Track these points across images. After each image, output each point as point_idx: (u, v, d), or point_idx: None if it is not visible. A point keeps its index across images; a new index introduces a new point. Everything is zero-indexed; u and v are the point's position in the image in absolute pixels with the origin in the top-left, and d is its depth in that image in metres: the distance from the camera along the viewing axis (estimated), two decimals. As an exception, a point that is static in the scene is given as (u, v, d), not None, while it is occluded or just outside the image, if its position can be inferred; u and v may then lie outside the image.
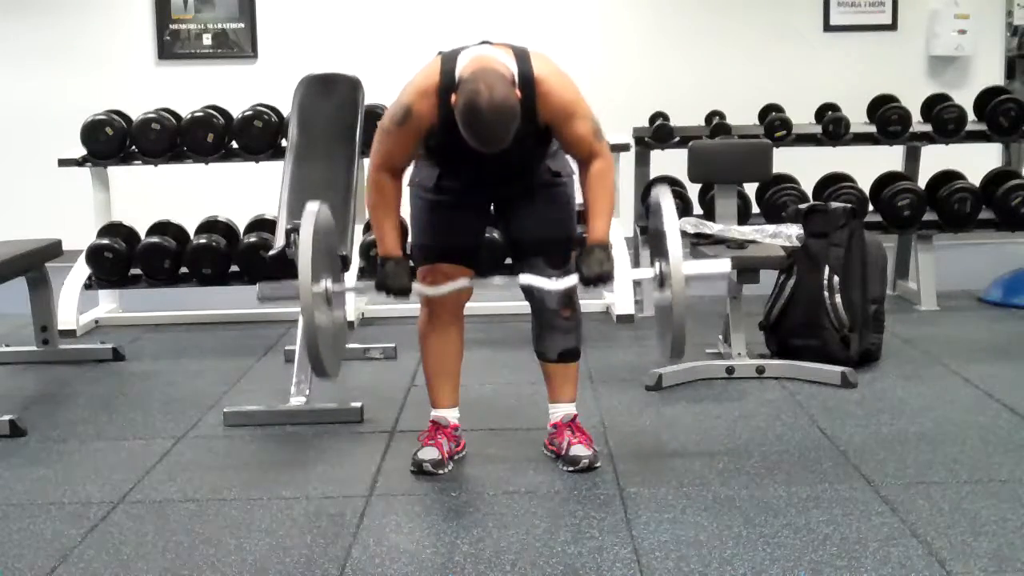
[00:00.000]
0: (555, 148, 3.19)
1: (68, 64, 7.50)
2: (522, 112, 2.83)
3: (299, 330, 3.83)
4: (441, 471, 3.17)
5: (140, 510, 2.99)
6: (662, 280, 3.03)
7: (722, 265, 3.20)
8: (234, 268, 5.19)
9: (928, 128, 5.59)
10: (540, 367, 3.32)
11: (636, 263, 5.55)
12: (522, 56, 2.96)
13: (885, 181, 5.55)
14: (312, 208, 3.00)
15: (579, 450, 3.18)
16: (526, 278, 3.08)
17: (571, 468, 3.17)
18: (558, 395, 3.30)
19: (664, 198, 3.01)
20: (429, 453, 3.20)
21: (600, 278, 3.02)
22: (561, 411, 3.29)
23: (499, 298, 5.55)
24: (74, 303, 5.22)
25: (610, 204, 3.08)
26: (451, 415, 3.31)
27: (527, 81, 2.92)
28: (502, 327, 5.23)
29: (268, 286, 3.27)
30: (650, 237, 3.21)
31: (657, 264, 3.07)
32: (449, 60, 2.95)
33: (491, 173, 3.09)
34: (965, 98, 5.76)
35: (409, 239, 3.41)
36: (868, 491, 2.97)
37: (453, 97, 2.83)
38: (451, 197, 3.14)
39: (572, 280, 3.06)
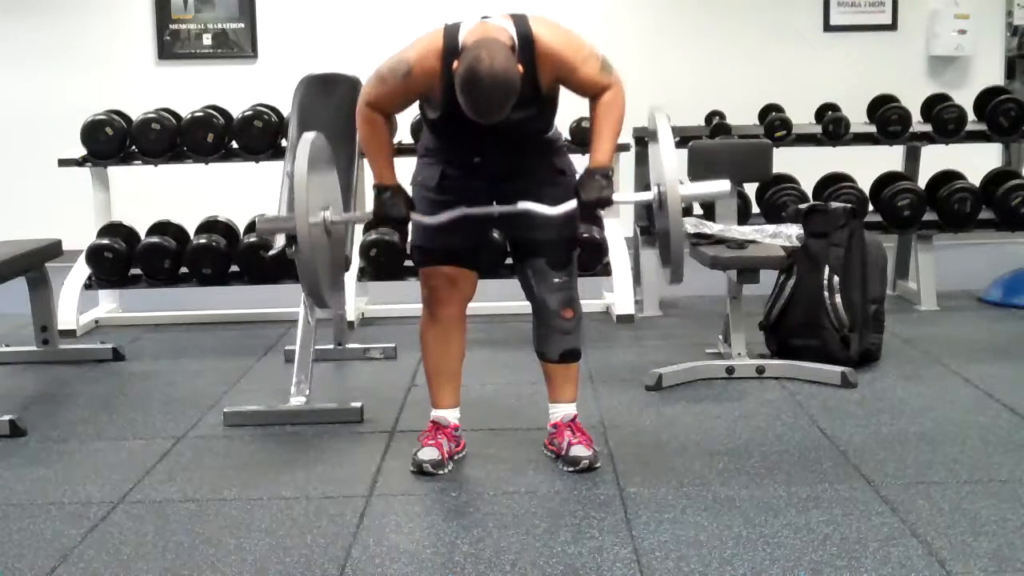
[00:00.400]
0: (560, 144, 3.20)
1: (68, 64, 7.50)
2: (524, 76, 2.85)
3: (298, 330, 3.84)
4: (441, 471, 3.17)
5: (140, 510, 2.99)
6: (660, 202, 3.03)
7: (720, 185, 3.16)
8: (234, 268, 5.19)
9: (928, 128, 5.59)
10: (541, 367, 3.32)
11: (636, 263, 5.55)
12: (520, 20, 2.98)
13: (885, 181, 5.55)
14: (308, 137, 3.01)
15: (579, 451, 3.18)
16: (524, 206, 3.06)
17: (571, 468, 3.16)
18: (558, 395, 3.30)
19: (660, 121, 3.02)
20: (429, 453, 3.19)
21: (599, 203, 3.02)
22: (561, 411, 3.29)
23: (499, 298, 5.56)
24: (74, 303, 5.22)
25: (614, 131, 3.06)
26: (451, 415, 3.31)
27: (526, 43, 2.93)
28: (502, 327, 5.23)
29: (266, 220, 3.27)
30: (649, 160, 3.20)
31: (656, 187, 3.06)
32: (452, 28, 2.99)
33: (492, 157, 3.09)
34: (965, 98, 5.76)
35: (410, 239, 3.41)
36: (868, 491, 2.97)
37: (455, 63, 2.85)
38: (454, 197, 3.13)
39: (571, 205, 3.05)
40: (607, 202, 3.03)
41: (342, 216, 3.17)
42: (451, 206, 3.12)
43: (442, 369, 3.30)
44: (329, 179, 3.21)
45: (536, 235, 3.15)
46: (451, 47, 2.92)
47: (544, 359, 3.29)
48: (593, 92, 3.06)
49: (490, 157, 3.09)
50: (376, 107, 3.06)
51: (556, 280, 3.18)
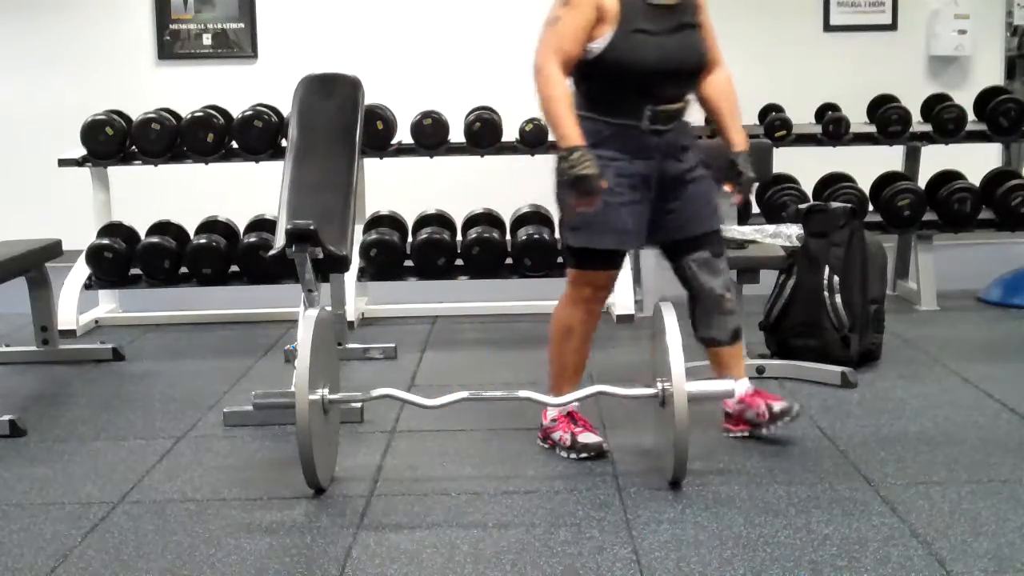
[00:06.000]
0: (699, 137, 3.46)
1: (68, 64, 7.49)
2: None
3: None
4: (607, 447, 3.30)
5: (140, 510, 2.99)
6: (663, 400, 3.04)
7: (725, 385, 3.18)
8: (234, 268, 5.20)
9: (928, 128, 5.59)
10: (707, 355, 3.42)
11: (636, 265, 5.55)
12: None
13: (885, 181, 5.55)
14: (312, 315, 3.03)
15: (781, 404, 3.33)
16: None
17: (786, 420, 3.32)
18: (733, 374, 3.36)
19: (668, 317, 3.03)
20: (591, 437, 3.29)
21: (752, 182, 3.33)
22: (740, 387, 3.37)
23: (499, 298, 5.56)
24: (74, 303, 5.22)
25: (738, 110, 3.37)
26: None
27: None
28: (502, 327, 5.23)
29: (263, 395, 3.29)
30: (654, 353, 3.25)
31: (660, 384, 3.07)
32: None
33: (662, 95, 3.13)
34: (965, 98, 5.76)
35: (559, 236, 3.38)
36: (868, 491, 2.97)
37: None
38: (626, 190, 3.15)
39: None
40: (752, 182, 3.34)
41: (340, 396, 3.18)
42: (614, 203, 3.15)
43: (579, 366, 3.39)
44: (331, 357, 3.22)
45: (699, 228, 3.29)
46: None
47: (715, 344, 3.38)
48: (713, 55, 3.29)
49: (660, 95, 3.14)
50: (556, 58, 3.07)
51: (720, 266, 3.32)
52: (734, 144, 3.35)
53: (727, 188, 3.39)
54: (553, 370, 3.40)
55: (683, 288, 3.38)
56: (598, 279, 3.30)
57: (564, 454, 3.29)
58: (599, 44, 3.09)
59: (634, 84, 3.12)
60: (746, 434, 3.39)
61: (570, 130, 3.05)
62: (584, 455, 3.25)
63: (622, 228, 3.18)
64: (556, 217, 3.43)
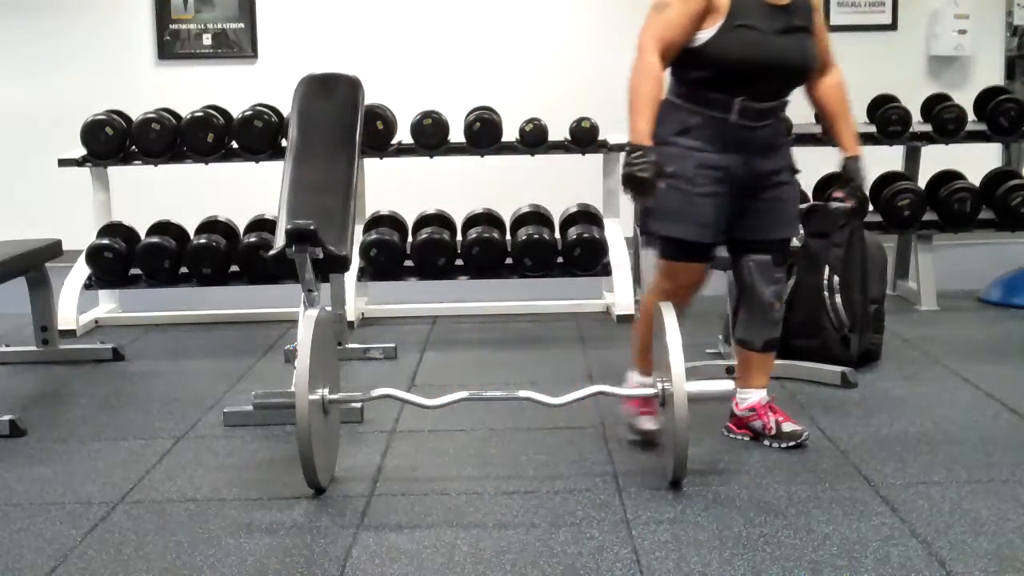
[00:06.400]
0: (790, 140, 3.35)
1: (68, 64, 7.49)
2: None
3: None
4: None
5: (140, 510, 2.99)
6: (664, 399, 3.05)
7: (725, 384, 3.18)
8: (234, 268, 5.20)
9: (928, 128, 5.59)
10: (737, 354, 3.43)
11: (636, 262, 5.55)
12: None
13: (885, 181, 5.55)
14: (312, 315, 3.03)
15: (791, 426, 3.32)
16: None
17: (791, 444, 3.30)
18: (754, 381, 3.38)
19: (668, 318, 3.02)
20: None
21: (861, 187, 3.33)
22: (756, 396, 3.36)
23: (499, 298, 5.56)
24: (74, 303, 5.22)
25: (851, 115, 3.35)
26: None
27: None
28: (502, 327, 5.23)
29: (264, 394, 3.28)
30: (654, 354, 3.24)
31: (660, 384, 3.07)
32: None
33: (759, 92, 3.09)
34: (965, 98, 5.76)
35: (648, 225, 3.29)
36: (868, 491, 2.97)
37: None
38: (708, 181, 3.11)
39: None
40: (863, 195, 3.32)
41: (340, 396, 3.18)
42: (703, 193, 3.13)
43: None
44: (331, 357, 3.22)
45: (771, 232, 3.26)
46: None
47: (748, 347, 3.37)
48: (825, 57, 3.27)
49: (755, 92, 3.08)
50: (658, 49, 3.02)
51: (777, 275, 3.30)
52: (845, 148, 3.32)
53: (836, 195, 3.38)
54: (636, 347, 3.42)
55: (735, 283, 3.40)
56: (681, 272, 3.24)
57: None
58: (704, 36, 3.04)
59: (729, 78, 3.07)
60: (747, 438, 3.39)
61: (641, 126, 2.99)
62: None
63: (702, 220, 3.13)
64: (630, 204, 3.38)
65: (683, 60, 3.09)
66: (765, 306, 3.29)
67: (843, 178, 3.36)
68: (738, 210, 3.19)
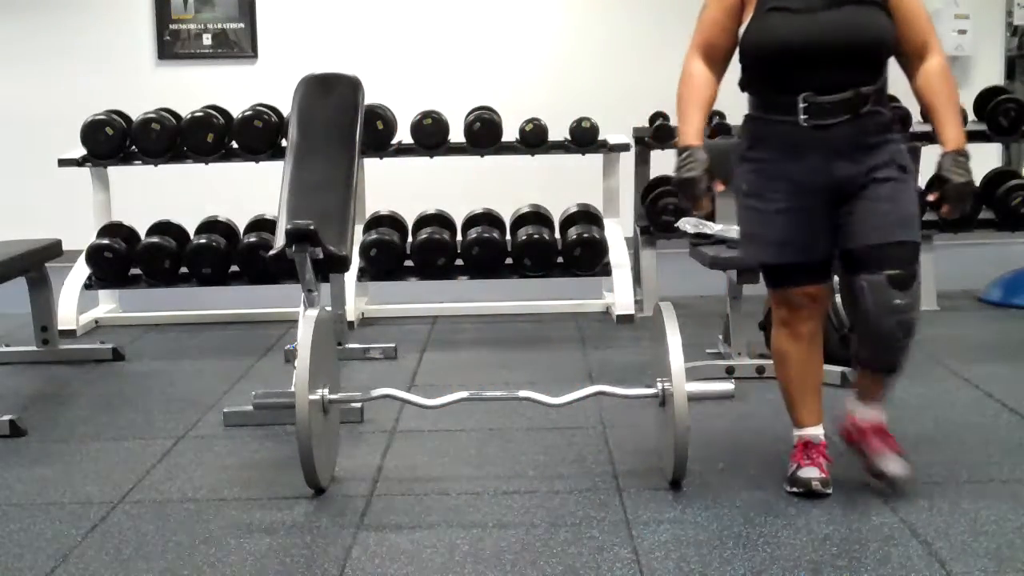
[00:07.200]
0: (898, 137, 2.95)
1: (68, 64, 7.49)
2: None
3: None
4: (828, 491, 2.91)
5: (140, 510, 2.99)
6: (663, 399, 3.03)
7: (724, 386, 3.14)
8: (234, 268, 5.20)
9: (928, 128, 5.56)
10: (853, 361, 3.13)
11: (636, 263, 5.55)
12: None
13: (885, 181, 5.53)
14: (312, 315, 3.03)
15: (899, 469, 2.94)
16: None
17: (884, 484, 2.94)
18: (868, 398, 3.04)
19: (668, 317, 2.99)
20: (812, 472, 2.92)
21: (968, 189, 2.81)
22: (870, 413, 3.03)
23: (499, 298, 5.56)
24: (74, 303, 5.22)
25: (958, 103, 2.90)
26: (820, 432, 3.01)
27: None
28: (502, 327, 5.24)
29: (264, 394, 3.28)
30: (653, 355, 3.18)
31: (659, 384, 3.04)
32: None
33: (817, 89, 2.76)
34: (965, 98, 5.72)
35: (742, 254, 3.08)
36: (868, 491, 2.97)
37: None
38: (782, 195, 2.83)
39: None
40: (972, 191, 2.84)
41: (340, 396, 3.18)
42: (781, 211, 2.84)
43: (805, 385, 3.00)
44: (331, 357, 3.22)
45: (878, 238, 2.82)
46: None
47: (865, 366, 3.03)
48: (916, 39, 2.90)
49: (815, 84, 2.76)
50: (701, 51, 2.89)
51: (895, 300, 2.82)
52: (943, 142, 2.86)
53: (931, 197, 2.93)
54: (785, 399, 3.06)
55: (847, 304, 3.00)
56: (788, 297, 2.93)
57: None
58: (742, 29, 2.84)
59: (777, 71, 2.79)
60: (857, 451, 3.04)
61: (686, 128, 2.87)
62: (794, 489, 2.93)
63: (779, 239, 2.85)
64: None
65: (742, 65, 2.89)
66: (882, 338, 2.84)
67: (938, 178, 2.89)
68: (835, 221, 2.85)
